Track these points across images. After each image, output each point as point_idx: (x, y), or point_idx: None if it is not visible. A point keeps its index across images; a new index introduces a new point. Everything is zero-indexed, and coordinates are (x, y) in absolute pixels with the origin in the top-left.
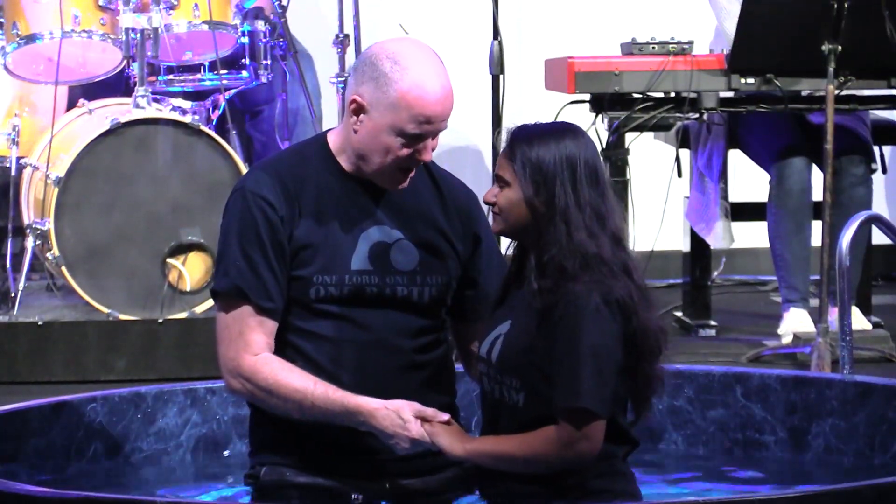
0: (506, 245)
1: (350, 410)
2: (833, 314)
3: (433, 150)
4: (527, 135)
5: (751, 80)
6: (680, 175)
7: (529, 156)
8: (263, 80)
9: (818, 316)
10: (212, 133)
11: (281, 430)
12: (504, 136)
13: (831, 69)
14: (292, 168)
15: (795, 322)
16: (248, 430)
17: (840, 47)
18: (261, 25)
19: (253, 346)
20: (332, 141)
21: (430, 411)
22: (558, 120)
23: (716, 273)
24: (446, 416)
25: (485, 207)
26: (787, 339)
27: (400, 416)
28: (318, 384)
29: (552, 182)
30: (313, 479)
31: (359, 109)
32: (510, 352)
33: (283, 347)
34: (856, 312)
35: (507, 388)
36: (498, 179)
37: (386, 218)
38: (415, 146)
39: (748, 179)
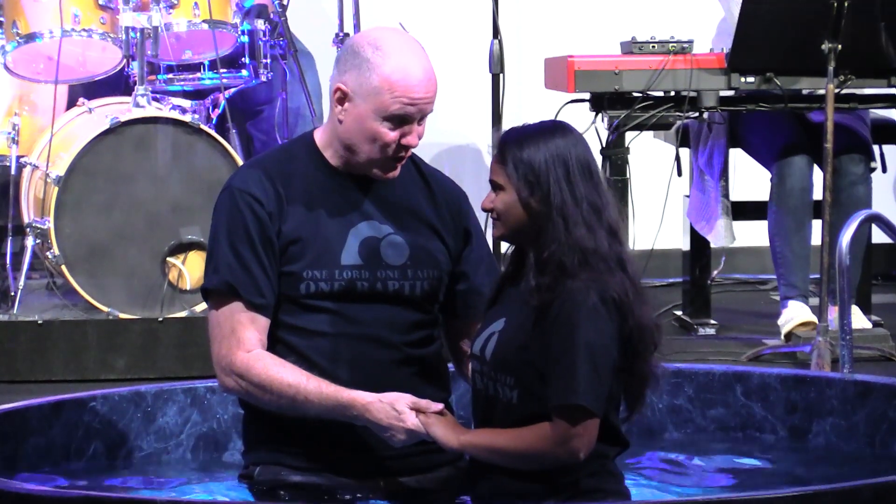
0: (505, 246)
1: (344, 404)
2: (833, 313)
3: (420, 137)
4: (516, 137)
5: (751, 79)
6: (680, 174)
7: (520, 157)
8: (263, 79)
9: (818, 315)
10: (212, 132)
11: (274, 429)
12: (494, 141)
13: (831, 68)
14: (279, 165)
15: (795, 312)
16: (242, 429)
17: (840, 46)
18: (261, 24)
19: (245, 342)
20: (319, 137)
21: (423, 402)
22: (549, 119)
23: (716, 272)
24: (440, 406)
25: (483, 215)
26: (787, 328)
27: (394, 408)
28: (311, 379)
29: (546, 180)
30: (308, 478)
31: (343, 98)
32: (505, 349)
33: (275, 343)
34: (856, 311)
35: (500, 385)
36: (493, 185)
37: (375, 212)
38: (400, 130)
39: (749, 178)
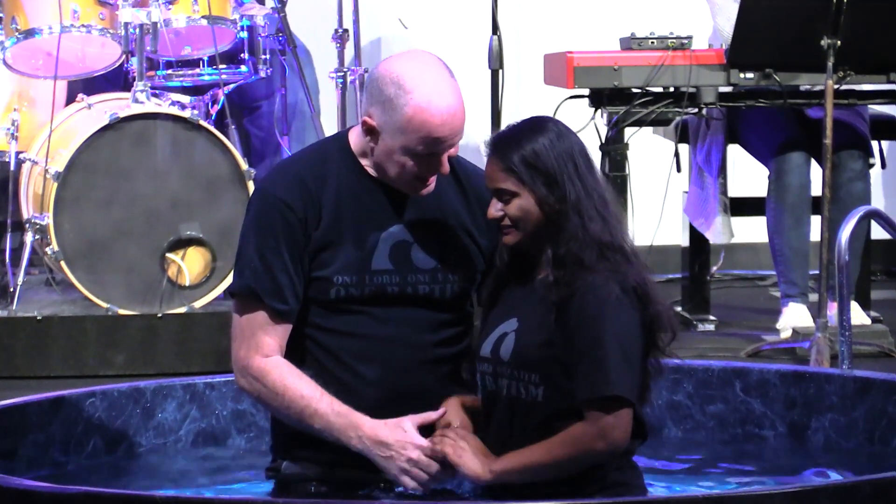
0: None
1: (352, 424)
2: (832, 309)
3: (452, 155)
4: (515, 140)
5: (750, 75)
6: (679, 170)
7: (529, 159)
8: (262, 74)
9: (817, 311)
10: (211, 128)
11: None
12: (485, 149)
13: (830, 64)
14: (313, 168)
15: (794, 316)
16: (269, 425)
17: (839, 42)
18: (260, 20)
19: (264, 347)
20: (354, 142)
21: (425, 417)
22: (532, 116)
23: (715, 268)
24: (440, 413)
25: None
26: (785, 334)
27: (407, 457)
28: (324, 395)
29: (560, 177)
30: (334, 473)
31: (370, 130)
32: (526, 347)
33: (305, 342)
34: (855, 307)
35: (523, 384)
36: (499, 193)
37: (406, 216)
38: (429, 162)
39: (747, 174)
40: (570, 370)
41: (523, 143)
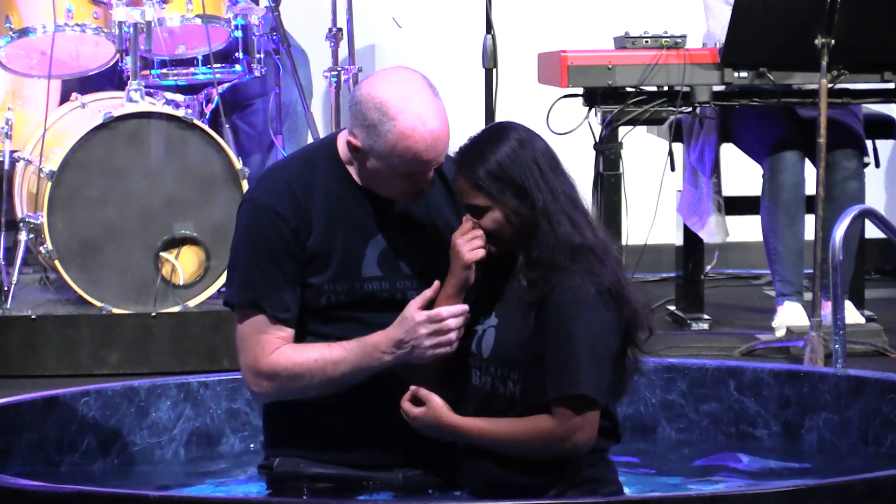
0: None
1: (369, 347)
2: (826, 308)
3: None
4: (478, 154)
5: (744, 74)
6: (673, 169)
7: (495, 172)
8: (257, 73)
9: (811, 310)
10: (205, 127)
11: (294, 421)
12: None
13: (824, 63)
14: (301, 176)
15: (788, 315)
16: (262, 422)
17: (833, 41)
18: (255, 19)
19: (270, 346)
20: (342, 149)
21: (423, 297)
22: (491, 124)
23: (709, 267)
24: (435, 287)
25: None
26: (780, 333)
27: (424, 343)
28: (332, 346)
29: (529, 184)
30: (326, 470)
31: (356, 149)
32: (507, 344)
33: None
34: (849, 306)
35: (500, 380)
36: (472, 209)
37: (395, 222)
38: (416, 180)
39: (741, 173)
40: (545, 368)
41: (487, 156)
